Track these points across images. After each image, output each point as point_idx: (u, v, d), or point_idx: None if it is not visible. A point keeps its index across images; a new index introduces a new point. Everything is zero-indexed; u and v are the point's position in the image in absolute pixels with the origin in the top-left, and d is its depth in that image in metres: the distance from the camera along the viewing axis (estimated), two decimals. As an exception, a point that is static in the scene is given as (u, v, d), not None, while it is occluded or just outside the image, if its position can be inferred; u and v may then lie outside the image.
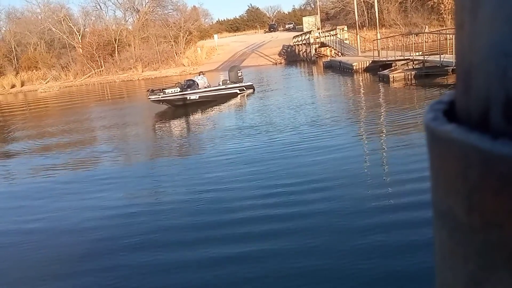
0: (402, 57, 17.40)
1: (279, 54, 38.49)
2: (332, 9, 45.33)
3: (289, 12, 76.12)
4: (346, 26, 34.00)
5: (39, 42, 49.81)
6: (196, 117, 14.52)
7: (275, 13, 78.13)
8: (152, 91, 15.71)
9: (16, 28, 51.06)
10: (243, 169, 7.21)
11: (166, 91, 15.64)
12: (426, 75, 15.09)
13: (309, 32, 34.25)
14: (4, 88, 45.83)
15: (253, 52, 41.53)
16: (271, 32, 58.24)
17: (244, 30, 68.96)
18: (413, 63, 16.43)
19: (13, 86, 45.80)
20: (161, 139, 11.67)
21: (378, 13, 25.61)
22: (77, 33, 49.26)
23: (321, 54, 33.59)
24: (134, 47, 45.07)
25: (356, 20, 27.54)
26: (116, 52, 44.87)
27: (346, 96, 15.06)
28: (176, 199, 6.16)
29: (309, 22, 43.17)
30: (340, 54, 28.14)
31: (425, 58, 15.68)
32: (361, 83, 18.17)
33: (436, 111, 0.23)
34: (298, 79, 22.90)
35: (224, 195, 5.95)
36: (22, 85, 45.76)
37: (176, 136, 11.92)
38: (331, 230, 4.47)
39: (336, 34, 30.78)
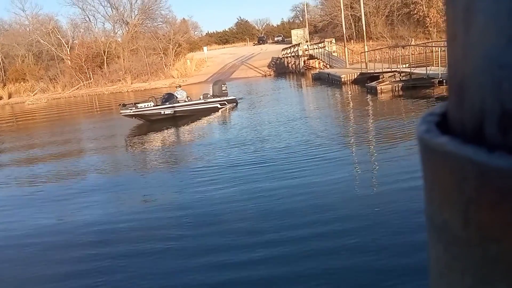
0: (389, 69, 17.66)
1: (268, 66, 38.76)
2: (320, 22, 45.93)
3: (278, 25, 76.92)
4: (334, 39, 34.44)
5: (27, 54, 49.49)
6: (175, 132, 13.83)
7: (264, 26, 78.93)
8: (124, 105, 14.96)
9: (4, 40, 50.66)
10: (224, 189, 6.76)
11: (139, 105, 14.91)
12: (413, 86, 15.34)
13: (298, 44, 34.62)
14: (-9, 100, 45.32)
15: (242, 64, 41.77)
16: (260, 44, 58.72)
17: (233, 43, 69.39)
18: (400, 75, 16.68)
19: (0, 98, 45.32)
20: (137, 154, 11.26)
21: (365, 26, 26.04)
22: (66, 45, 49.06)
23: (309, 66, 33.90)
24: (123, 59, 45.04)
25: (344, 33, 27.94)
26: (105, 64, 44.77)
27: (336, 109, 15.22)
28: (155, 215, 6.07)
29: (297, 34, 43.70)
30: (328, 66, 28.43)
31: (411, 70, 15.93)
32: (349, 95, 18.37)
33: (428, 123, 0.23)
34: (287, 91, 23.09)
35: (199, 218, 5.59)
36: (9, 97, 45.28)
37: (153, 151, 11.33)
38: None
39: (324, 47, 31.14)
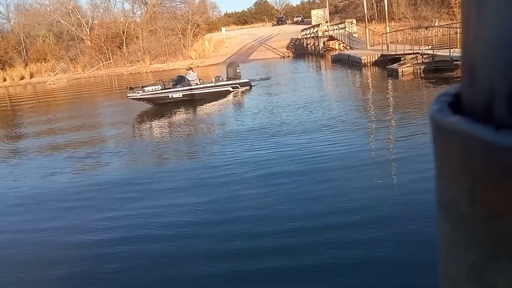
0: (411, 51, 17.22)
1: (287, 48, 38.30)
2: (341, 2, 44.93)
3: (297, 5, 75.83)
4: (355, 20, 33.71)
5: (47, 34, 50.03)
6: (188, 117, 13.38)
7: (283, 6, 77.79)
8: (131, 88, 14.75)
9: (25, 20, 51.28)
10: (241, 175, 6.55)
11: (146, 89, 14.61)
12: (436, 69, 14.93)
13: (318, 25, 34.01)
14: (13, 79, 46.18)
15: (260, 45, 41.38)
16: (279, 25, 57.99)
17: (252, 23, 68.74)
18: (423, 57, 16.25)
19: (22, 78, 46.12)
20: (148, 141, 10.77)
21: (388, 6, 25.32)
22: (86, 25, 49.37)
23: (329, 47, 33.36)
24: (142, 40, 45.11)
25: (365, 13, 27.29)
26: (124, 44, 44.94)
27: (355, 92, 14.94)
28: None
29: (317, 15, 42.87)
30: (348, 47, 27.94)
31: (434, 52, 15.50)
32: (370, 77, 18.05)
33: (441, 103, 0.23)
34: (306, 73, 22.77)
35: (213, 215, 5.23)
36: (31, 77, 46.05)
37: (166, 140, 10.68)
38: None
39: (345, 28, 30.56)
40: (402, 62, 16.84)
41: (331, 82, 18.48)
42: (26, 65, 48.06)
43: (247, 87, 16.83)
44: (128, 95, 14.56)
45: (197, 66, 37.59)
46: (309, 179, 6.01)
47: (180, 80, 15.58)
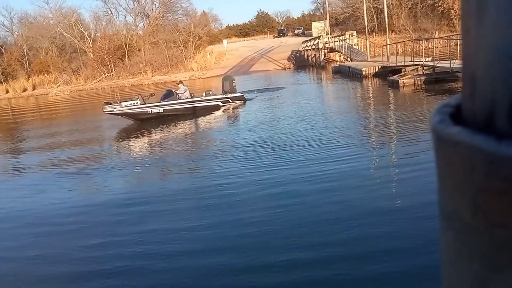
0: (411, 63, 17.31)
1: (288, 59, 38.52)
2: (341, 14, 45.34)
3: (298, 18, 76.36)
4: (355, 32, 33.96)
5: (50, 47, 50.45)
6: (180, 133, 12.56)
7: (284, 18, 78.41)
8: (108, 103, 14.08)
9: (28, 33, 51.77)
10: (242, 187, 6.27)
11: (124, 103, 13.97)
12: (436, 80, 14.99)
13: (318, 37, 34.26)
14: (16, 91, 46.47)
15: (262, 57, 41.63)
16: (280, 37, 58.39)
17: (253, 35, 69.22)
18: (423, 69, 16.33)
19: (24, 90, 46.41)
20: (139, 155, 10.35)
21: (388, 19, 25.51)
22: (88, 38, 49.79)
23: (330, 59, 33.54)
24: (144, 52, 45.44)
25: (366, 25, 27.48)
26: (126, 56, 45.27)
27: (356, 103, 14.94)
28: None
29: (318, 27, 43.24)
30: (349, 59, 28.08)
31: (435, 64, 15.57)
32: (370, 89, 18.10)
33: (442, 114, 0.23)
34: (307, 85, 22.84)
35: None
36: (34, 88, 46.35)
37: (160, 157, 9.79)
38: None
39: (345, 39, 30.75)
40: (402, 73, 16.92)
41: (332, 94, 18.52)
42: (29, 77, 48.39)
43: (241, 102, 16.11)
44: (105, 110, 13.87)
45: (199, 78, 37.83)
46: (312, 198, 5.69)
47: (169, 95, 14.94)
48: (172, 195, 6.58)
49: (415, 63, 17.08)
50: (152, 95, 15.01)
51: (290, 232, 4.74)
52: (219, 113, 14.95)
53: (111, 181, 7.95)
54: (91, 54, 47.15)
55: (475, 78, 0.21)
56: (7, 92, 46.97)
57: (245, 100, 16.33)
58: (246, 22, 77.48)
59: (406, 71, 17.10)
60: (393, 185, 6.09)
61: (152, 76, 42.14)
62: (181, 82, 15.87)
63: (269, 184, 6.49)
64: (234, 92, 16.01)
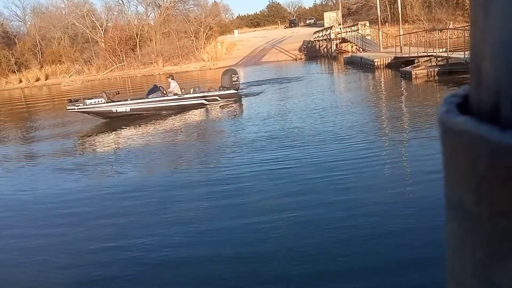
0: (425, 54, 17.06)
1: (299, 50, 38.27)
2: (354, 4, 44.80)
3: (310, 8, 75.72)
4: (368, 22, 33.52)
5: (63, 37, 50.80)
6: (188, 125, 12.16)
7: (296, 9, 77.82)
8: (71, 101, 13.43)
9: (41, 23, 52.16)
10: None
11: (87, 101, 13.26)
12: (450, 72, 14.75)
13: (330, 27, 33.91)
14: (29, 81, 47.00)
15: (273, 48, 41.42)
16: (291, 27, 58.01)
17: (264, 26, 68.83)
18: (437, 60, 16.08)
19: (37, 80, 46.90)
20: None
21: (401, 9, 25.14)
22: (100, 28, 49.99)
23: (342, 50, 33.24)
24: (155, 42, 45.50)
25: (379, 15, 27.14)
26: (138, 47, 45.37)
27: (368, 95, 14.79)
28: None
29: (330, 17, 42.75)
30: (361, 50, 27.79)
31: (448, 55, 15.33)
32: (383, 80, 17.91)
33: (449, 104, 0.24)
34: (319, 76, 22.65)
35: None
36: (46, 78, 46.80)
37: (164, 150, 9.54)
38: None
39: (358, 30, 30.39)
40: (415, 64, 16.69)
41: (344, 85, 18.36)
42: (42, 67, 48.83)
43: (232, 99, 14.79)
44: (68, 108, 13.32)
45: (209, 69, 37.80)
46: (325, 197, 5.38)
47: (154, 90, 14.09)
48: (182, 188, 6.47)
49: (429, 54, 16.82)
50: (117, 93, 14.19)
51: (302, 231, 4.57)
52: (230, 105, 14.50)
53: (122, 170, 8.02)
54: (103, 44, 47.35)
55: (481, 69, 0.22)
56: (20, 81, 47.50)
57: (239, 98, 15.03)
58: (258, 12, 77.07)
59: (419, 62, 16.86)
60: (405, 179, 5.86)
61: (163, 67, 42.21)
62: (171, 76, 15.04)
63: (280, 181, 6.17)
64: (228, 89, 14.77)
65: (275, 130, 9.74)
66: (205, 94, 14.50)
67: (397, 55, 19.84)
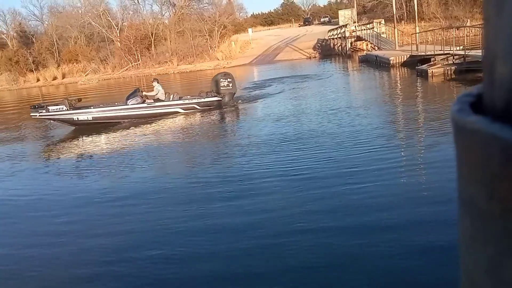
0: (442, 52, 16.81)
1: (314, 48, 38.08)
2: (369, 2, 44.35)
3: (324, 6, 75.23)
4: (383, 20, 33.21)
5: (79, 36, 51.47)
6: (201, 125, 11.94)
7: (310, 7, 77.35)
8: (34, 107, 13.09)
9: (58, 22, 52.96)
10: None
11: (50, 108, 12.91)
12: (467, 70, 14.51)
13: (345, 25, 33.69)
14: (46, 80, 47.76)
15: (287, 46, 41.29)
16: (305, 25, 57.74)
17: (278, 24, 68.66)
18: (454, 58, 15.84)
19: (54, 78, 47.62)
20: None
21: (417, 6, 24.83)
22: (116, 27, 50.51)
23: (356, 48, 32.97)
24: (170, 41, 45.77)
25: (394, 13, 26.83)
26: (153, 46, 45.72)
27: (383, 94, 14.65)
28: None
29: (345, 15, 42.48)
30: (376, 48, 27.53)
31: (466, 53, 15.08)
32: (398, 79, 17.72)
33: (462, 103, 0.24)
34: (333, 74, 22.49)
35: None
36: (63, 77, 47.50)
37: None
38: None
39: (373, 28, 30.12)
40: (432, 63, 16.46)
41: (359, 84, 18.22)
42: (59, 65, 49.56)
43: (213, 107, 13.83)
44: (31, 114, 13.06)
45: (223, 67, 37.86)
46: (342, 201, 5.14)
47: (133, 94, 13.55)
48: (196, 188, 6.45)
49: (445, 52, 16.58)
50: (79, 100, 13.79)
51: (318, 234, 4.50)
52: (243, 104, 14.37)
53: (137, 170, 8.10)
54: (118, 43, 47.84)
55: (494, 67, 0.22)
56: (38, 80, 48.31)
57: (219, 105, 13.95)
58: (272, 11, 76.89)
59: (435, 60, 16.62)
60: (423, 184, 5.61)
61: (177, 65, 42.45)
62: (155, 80, 14.30)
63: (295, 184, 5.99)
64: (209, 96, 14.00)
65: (288, 132, 9.42)
66: (182, 102, 13.68)
67: (413, 53, 19.60)
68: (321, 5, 76.86)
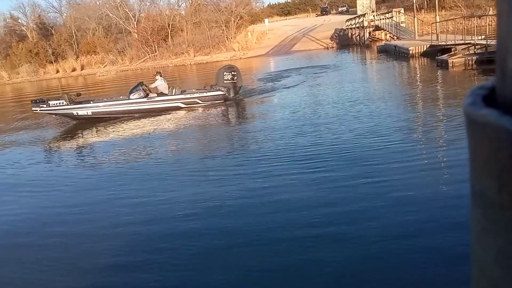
0: (463, 41, 16.43)
1: (331, 38, 37.66)
2: (388, -10, 43.50)
3: (342, -5, 74.05)
4: (403, 9, 32.52)
5: (97, 28, 51.93)
6: (216, 118, 11.79)
7: (327, -4, 76.27)
8: (35, 102, 13.06)
9: (76, 14, 53.53)
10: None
11: (51, 102, 12.88)
12: (489, 60, 14.15)
13: (363, 15, 33.16)
14: (65, 71, 48.47)
15: (304, 36, 40.94)
16: (323, 15, 57.16)
17: (295, 14, 68.07)
18: (475, 48, 15.46)
19: (73, 70, 48.30)
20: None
21: (438, -5, 24.24)
22: (133, 19, 50.77)
23: (375, 38, 32.48)
24: (187, 32, 45.81)
25: (414, 2, 26.24)
26: (170, 37, 45.85)
27: (402, 85, 14.40)
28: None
29: (363, 4, 41.73)
30: (395, 38, 27.06)
31: (488, 42, 14.71)
32: (418, 69, 17.40)
33: (475, 96, 0.24)
34: (351, 65, 22.23)
35: None
36: (82, 68, 48.13)
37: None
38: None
39: (392, 17, 29.57)
40: (452, 52, 16.11)
41: (378, 74, 17.96)
42: (77, 57, 50.21)
43: (218, 101, 13.43)
44: (32, 108, 13.10)
45: (240, 58, 37.79)
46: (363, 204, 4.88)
47: (136, 88, 13.32)
48: (209, 183, 6.36)
49: (467, 41, 16.19)
50: (78, 94, 13.61)
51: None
52: (255, 96, 14.15)
53: (151, 162, 8.14)
54: (136, 35, 48.12)
55: (506, 61, 0.22)
56: (57, 72, 49.06)
57: (224, 99, 13.50)
58: (289, 1, 76.16)
59: (456, 50, 16.26)
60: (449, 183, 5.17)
61: (194, 57, 42.53)
62: (158, 73, 13.96)
63: (311, 177, 5.84)
64: (214, 90, 13.54)
65: (304, 124, 9.17)
66: (183, 96, 13.32)
67: (433, 43, 19.21)
68: (339, -6, 75.75)
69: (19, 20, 56.92)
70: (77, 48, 51.36)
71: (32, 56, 49.83)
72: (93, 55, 49.21)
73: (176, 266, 4.05)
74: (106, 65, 46.33)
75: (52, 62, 50.28)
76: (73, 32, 52.15)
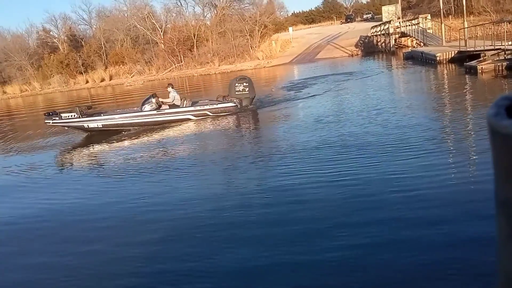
0: (492, 47, 16.05)
1: (356, 45, 37.41)
2: (414, -3, 43.01)
3: (367, 2, 73.77)
4: (429, 15, 32.05)
5: (125, 39, 53.26)
6: (235, 128, 11.75)
7: (352, 3, 76.16)
8: (48, 114, 13.22)
9: (105, 26, 55.10)
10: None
11: (63, 115, 13.05)
12: (520, 66, 13.81)
13: (389, 22, 32.83)
14: (94, 81, 49.85)
15: (328, 44, 40.81)
16: (347, 23, 56.96)
17: (319, 22, 68.05)
18: (505, 53, 15.08)
19: (102, 80, 49.63)
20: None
21: (466, 0, 23.81)
22: (159, 29, 51.84)
23: (401, 44, 32.09)
24: (212, 42, 46.42)
25: (441, 7, 25.84)
26: (195, 47, 46.54)
27: (429, 93, 14.12)
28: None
29: (388, 11, 41.37)
30: (422, 44, 26.65)
31: (519, 48, 14.34)
32: (445, 76, 17.09)
33: (498, 107, 0.25)
34: (377, 73, 21.92)
35: None
36: (111, 79, 49.38)
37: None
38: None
39: (419, 23, 29.16)
40: (481, 59, 15.76)
41: (404, 82, 17.67)
42: (106, 68, 51.56)
43: (228, 113, 13.30)
44: (45, 121, 13.29)
45: (264, 67, 37.98)
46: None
47: (147, 101, 13.31)
48: (229, 196, 6.22)
49: (496, 47, 15.81)
50: (89, 108, 13.88)
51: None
52: (273, 106, 14.00)
53: (171, 178, 8.25)
54: (162, 45, 49.06)
55: None
56: (87, 82, 50.49)
57: (235, 111, 13.36)
58: (313, 9, 76.35)
59: (485, 56, 15.89)
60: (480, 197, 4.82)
61: (219, 66, 42.99)
62: (170, 84, 13.83)
63: (336, 191, 5.66)
64: (224, 102, 13.53)
65: (330, 136, 8.81)
66: (193, 108, 13.29)
67: (461, 49, 18.83)
68: (364, 2, 75.51)
69: (51, 33, 59.04)
70: (106, 59, 52.75)
71: (63, 67, 51.49)
72: (121, 66, 50.43)
73: (211, 276, 4.11)
74: (133, 75, 47.38)
75: (82, 73, 51.80)
76: (102, 43, 53.64)
